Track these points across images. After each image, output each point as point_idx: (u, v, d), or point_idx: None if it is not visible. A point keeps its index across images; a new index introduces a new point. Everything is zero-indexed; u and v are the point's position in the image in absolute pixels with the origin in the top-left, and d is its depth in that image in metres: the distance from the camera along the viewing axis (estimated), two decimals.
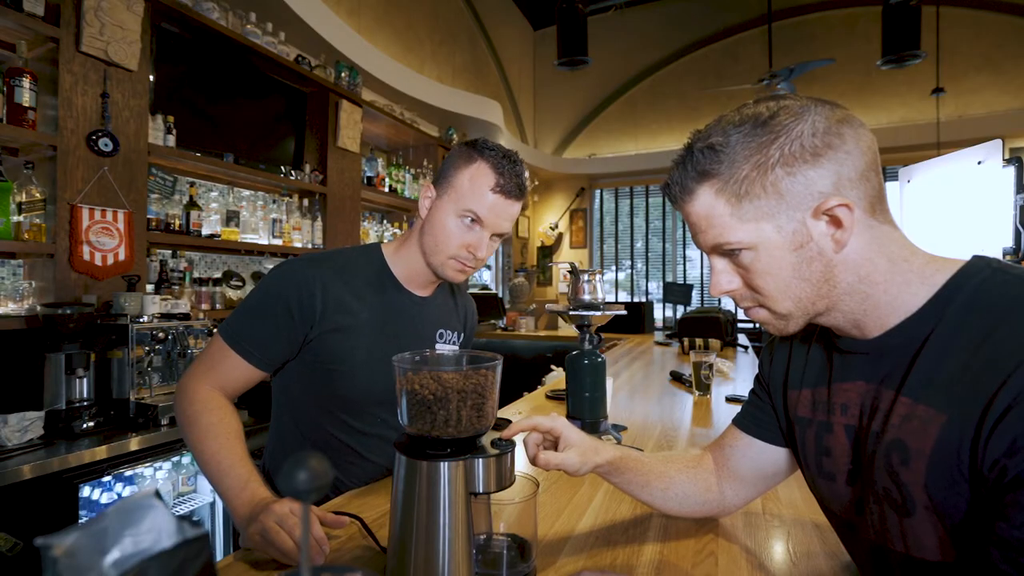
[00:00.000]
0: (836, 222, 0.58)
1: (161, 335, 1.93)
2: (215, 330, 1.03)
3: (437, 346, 1.18)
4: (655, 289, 6.61)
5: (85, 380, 1.80)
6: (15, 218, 1.82)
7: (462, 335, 1.27)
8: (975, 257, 0.59)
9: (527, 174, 1.07)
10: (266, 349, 1.01)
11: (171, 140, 2.34)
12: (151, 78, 2.27)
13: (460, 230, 1.03)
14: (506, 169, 1.01)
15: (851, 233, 0.58)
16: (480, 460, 0.65)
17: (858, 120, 0.59)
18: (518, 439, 0.75)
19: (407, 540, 0.65)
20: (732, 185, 0.59)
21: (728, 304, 6.13)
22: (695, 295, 6.13)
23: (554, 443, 0.82)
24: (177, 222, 2.41)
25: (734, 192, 0.59)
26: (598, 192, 6.85)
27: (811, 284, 0.60)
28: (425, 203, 1.07)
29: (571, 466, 0.78)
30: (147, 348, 1.90)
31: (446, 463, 0.64)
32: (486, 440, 0.70)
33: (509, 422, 0.83)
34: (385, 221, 4.14)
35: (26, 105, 1.83)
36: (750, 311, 0.66)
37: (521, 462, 1.20)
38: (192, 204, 2.46)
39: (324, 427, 1.09)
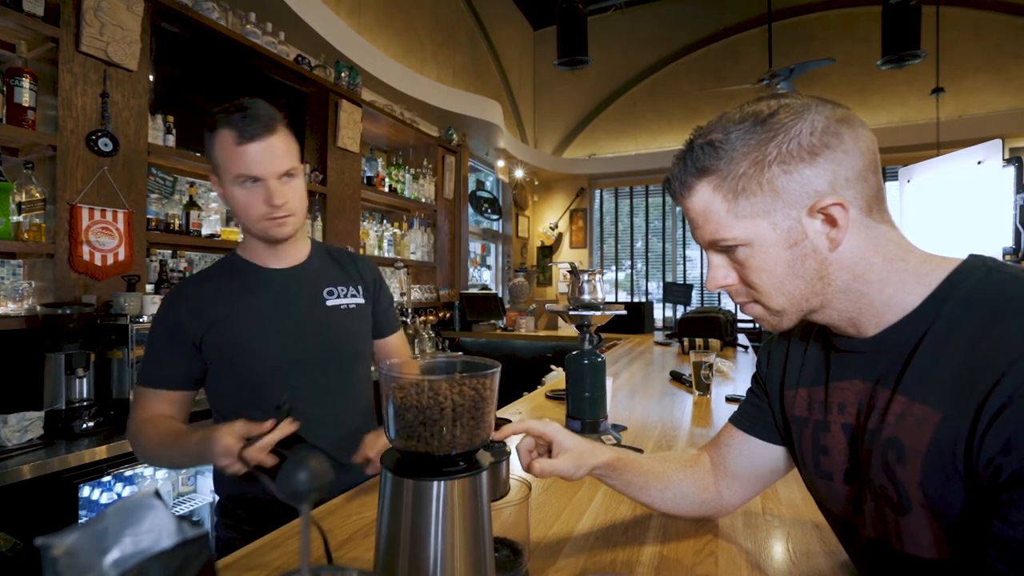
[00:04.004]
0: (831, 221, 0.58)
1: None
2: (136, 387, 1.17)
3: (328, 302, 1.20)
4: (655, 289, 6.61)
5: (85, 380, 1.80)
6: (15, 218, 1.82)
7: (361, 288, 1.26)
8: (971, 256, 0.59)
9: (263, 107, 1.06)
10: (176, 368, 1.11)
11: (171, 140, 2.34)
12: (151, 78, 2.27)
13: (248, 194, 1.06)
14: (235, 119, 1.03)
15: (845, 232, 0.58)
16: (475, 477, 0.59)
17: (858, 120, 0.59)
18: (513, 441, 0.74)
19: (392, 562, 0.58)
20: (729, 182, 0.60)
21: (728, 304, 6.13)
22: (695, 295, 6.13)
23: (548, 448, 0.82)
24: (177, 222, 2.41)
25: (731, 188, 0.60)
26: (598, 192, 6.85)
27: (805, 281, 0.61)
28: (218, 193, 1.13)
29: (566, 471, 0.78)
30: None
31: (441, 482, 0.57)
32: None
33: (509, 422, 0.83)
34: (385, 221, 4.14)
35: (26, 105, 1.83)
36: (745, 307, 0.67)
37: (513, 465, 1.20)
38: (192, 204, 2.46)
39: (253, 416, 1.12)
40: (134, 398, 1.14)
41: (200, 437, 0.94)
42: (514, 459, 1.05)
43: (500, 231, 6.34)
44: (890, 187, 5.52)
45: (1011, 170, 3.69)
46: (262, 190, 1.05)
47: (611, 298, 6.53)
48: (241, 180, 1.05)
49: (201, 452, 0.94)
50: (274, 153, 1.05)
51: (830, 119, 0.58)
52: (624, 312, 1.51)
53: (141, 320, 1.89)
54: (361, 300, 1.24)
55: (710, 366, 1.87)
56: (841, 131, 0.57)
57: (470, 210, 5.25)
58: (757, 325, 5.77)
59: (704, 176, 0.62)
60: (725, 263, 0.65)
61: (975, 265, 0.57)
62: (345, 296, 1.22)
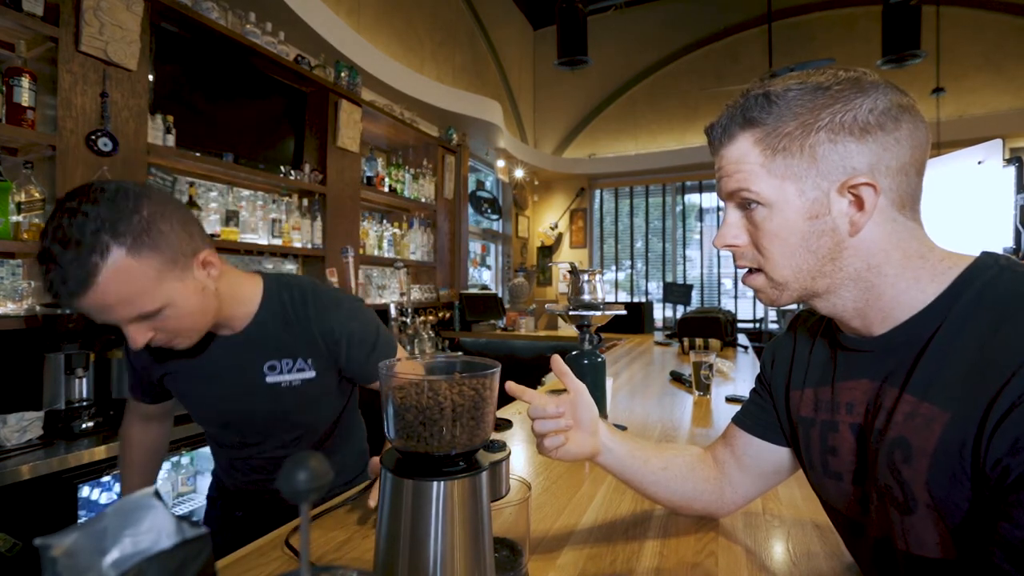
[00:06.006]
0: (858, 203, 0.57)
1: None
2: None
3: (268, 378, 1.05)
4: (655, 289, 6.61)
5: (84, 380, 1.80)
6: (14, 218, 1.82)
7: (311, 360, 1.07)
8: (984, 254, 0.58)
9: (71, 255, 0.75)
10: (147, 387, 1.17)
11: (170, 140, 2.33)
12: (150, 78, 2.27)
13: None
14: (49, 279, 0.77)
15: (869, 218, 0.57)
16: (475, 478, 0.59)
17: (920, 116, 0.59)
18: (516, 441, 0.74)
19: (392, 563, 0.58)
20: (772, 138, 0.59)
21: (728, 304, 6.12)
22: (695, 295, 6.13)
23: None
24: None
25: (771, 145, 0.59)
26: (598, 192, 6.85)
27: (816, 257, 0.60)
28: None
29: (583, 452, 0.80)
30: None
31: (441, 482, 0.57)
32: None
33: (510, 423, 0.83)
34: (385, 221, 4.13)
35: (25, 105, 1.82)
36: (747, 277, 0.66)
37: (514, 465, 1.20)
38: (191, 204, 2.46)
39: (226, 440, 1.20)
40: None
41: None
42: (514, 459, 1.04)
43: (500, 231, 6.34)
44: None
45: (1011, 170, 3.69)
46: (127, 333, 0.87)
47: (611, 298, 6.53)
48: None
49: None
50: (104, 304, 0.80)
51: (894, 103, 0.57)
52: (624, 312, 1.51)
53: None
54: (310, 374, 1.07)
55: (710, 366, 1.87)
56: (901, 118, 0.57)
57: (470, 210, 5.25)
58: (757, 325, 5.77)
59: (749, 127, 0.61)
60: (740, 222, 0.64)
61: (988, 263, 0.57)
62: (289, 371, 1.06)
